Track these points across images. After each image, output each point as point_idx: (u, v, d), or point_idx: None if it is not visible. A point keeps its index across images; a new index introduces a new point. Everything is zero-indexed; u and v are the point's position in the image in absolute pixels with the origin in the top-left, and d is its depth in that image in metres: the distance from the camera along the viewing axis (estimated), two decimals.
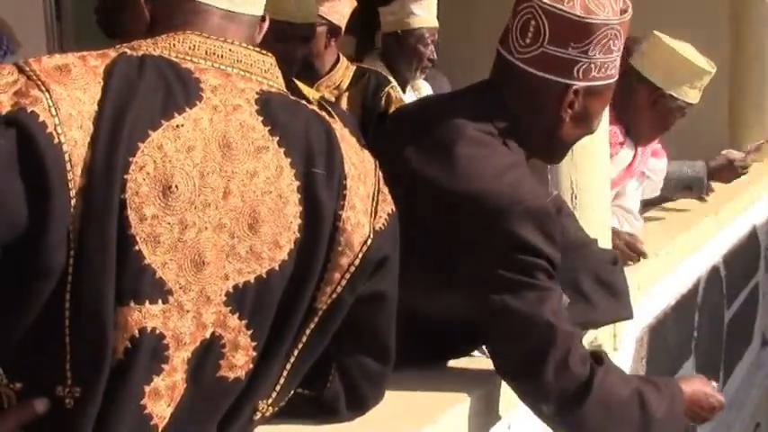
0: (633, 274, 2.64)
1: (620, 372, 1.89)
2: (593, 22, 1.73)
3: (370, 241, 1.30)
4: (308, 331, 1.29)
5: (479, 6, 5.44)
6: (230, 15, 1.30)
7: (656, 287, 3.07)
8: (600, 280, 2.12)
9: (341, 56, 3.21)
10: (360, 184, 1.31)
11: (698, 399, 2.01)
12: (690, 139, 4.28)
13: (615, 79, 1.84)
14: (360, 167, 1.33)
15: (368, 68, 3.22)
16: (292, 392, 1.36)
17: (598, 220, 2.36)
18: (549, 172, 2.31)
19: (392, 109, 3.05)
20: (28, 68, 1.15)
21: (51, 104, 1.11)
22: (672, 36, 2.98)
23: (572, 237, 2.18)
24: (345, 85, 3.15)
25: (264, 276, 1.23)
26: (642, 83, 2.88)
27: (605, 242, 2.35)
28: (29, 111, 1.10)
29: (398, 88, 3.15)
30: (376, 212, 1.33)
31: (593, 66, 1.77)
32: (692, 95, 2.95)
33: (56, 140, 1.10)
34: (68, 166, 1.11)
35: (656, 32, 2.95)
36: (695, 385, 2.03)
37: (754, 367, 4.92)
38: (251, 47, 1.30)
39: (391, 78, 3.19)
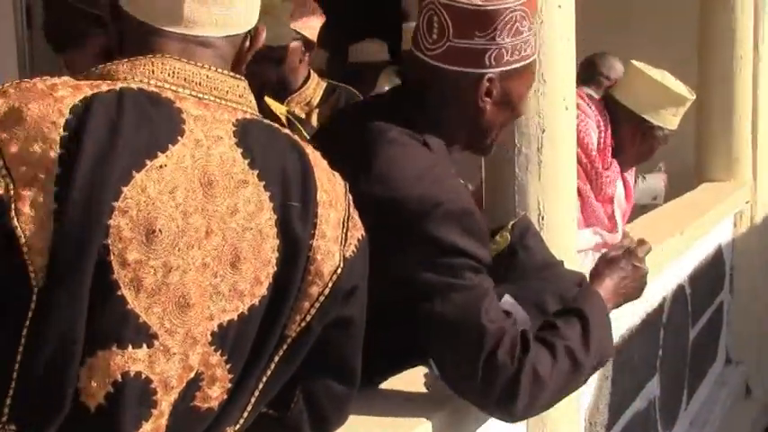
0: None
1: (544, 335, 1.84)
2: (494, 8, 1.75)
3: (340, 270, 1.30)
4: (276, 358, 1.30)
5: None
6: (193, 39, 1.29)
7: (620, 307, 3.08)
8: (565, 301, 2.14)
9: (312, 72, 3.21)
10: (331, 210, 1.31)
11: (617, 282, 2.01)
12: (656, 162, 4.36)
13: (534, 57, 1.87)
14: (331, 193, 1.33)
15: (338, 84, 3.23)
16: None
17: (565, 242, 2.37)
18: (516, 193, 2.33)
19: None
20: None
21: (3, 164, 1.11)
22: (639, 59, 3.02)
23: (538, 258, 2.20)
24: (316, 101, 3.16)
25: (246, 313, 1.23)
26: (626, 113, 2.92)
27: (572, 263, 2.36)
28: None
29: None
30: (346, 239, 1.33)
31: (504, 51, 1.79)
32: (674, 122, 3.00)
33: (4, 201, 1.10)
34: (15, 222, 1.10)
35: (633, 62, 2.99)
36: (605, 273, 2.02)
37: (717, 385, 4.97)
38: (225, 72, 1.29)
39: (360, 95, 3.19)
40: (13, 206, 1.10)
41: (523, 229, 2.24)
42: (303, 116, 3.12)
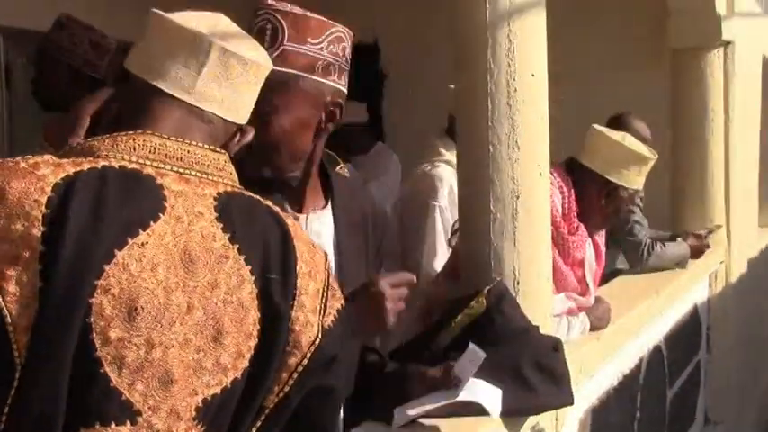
0: (575, 356, 2.68)
1: None
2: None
3: (318, 341, 1.31)
4: (254, 430, 1.30)
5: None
6: (195, 111, 1.32)
7: (598, 369, 3.10)
8: (541, 366, 2.16)
9: None
10: (310, 281, 1.32)
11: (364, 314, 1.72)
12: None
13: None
14: (310, 263, 1.34)
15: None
16: None
17: (541, 307, 2.39)
18: (492, 258, 2.35)
19: None
20: None
21: None
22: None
23: (515, 323, 2.22)
24: None
25: (229, 386, 1.24)
26: (589, 176, 2.96)
27: (548, 328, 2.38)
28: None
29: (347, 168, 3.17)
30: (325, 309, 1.34)
31: None
32: (638, 182, 3.04)
33: None
34: (0, 302, 1.10)
35: (595, 126, 3.04)
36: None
37: None
38: (206, 146, 1.31)
39: (339, 159, 3.21)
40: None
41: (499, 294, 2.27)
42: None
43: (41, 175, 1.16)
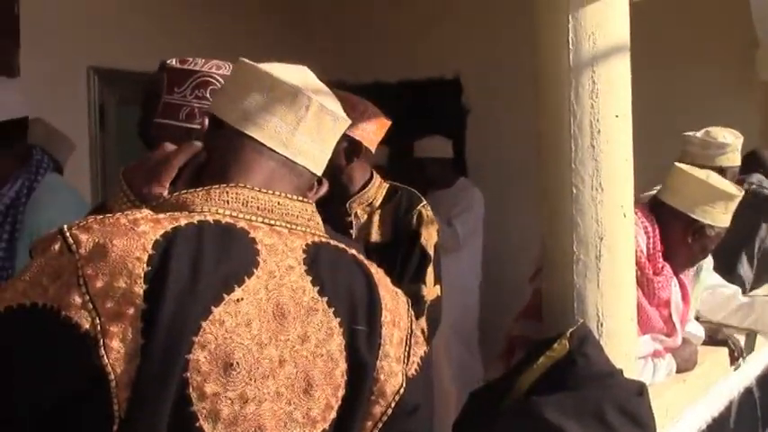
0: (660, 400, 2.63)
1: None
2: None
3: (402, 390, 1.32)
4: None
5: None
6: (288, 164, 1.35)
7: (685, 412, 3.04)
8: (625, 411, 2.13)
9: (374, 174, 3.27)
10: (395, 329, 1.34)
11: None
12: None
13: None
14: (394, 312, 1.35)
15: (400, 186, 3.27)
16: None
17: (624, 349, 2.36)
18: (575, 300, 2.33)
19: (423, 228, 3.09)
20: (75, 247, 1.18)
21: (89, 299, 1.15)
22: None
23: (597, 367, 2.20)
24: (378, 202, 3.19)
25: None
26: (674, 215, 2.91)
27: (631, 372, 2.35)
28: (62, 315, 1.14)
29: (429, 207, 3.20)
30: (409, 357, 1.35)
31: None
32: (725, 220, 2.98)
33: (92, 336, 1.13)
34: (105, 360, 1.13)
35: (677, 164, 3.00)
36: None
37: None
38: (294, 197, 1.34)
39: (422, 197, 3.23)
40: (101, 342, 1.13)
41: (582, 337, 2.25)
42: (365, 217, 3.17)
43: (142, 232, 1.19)
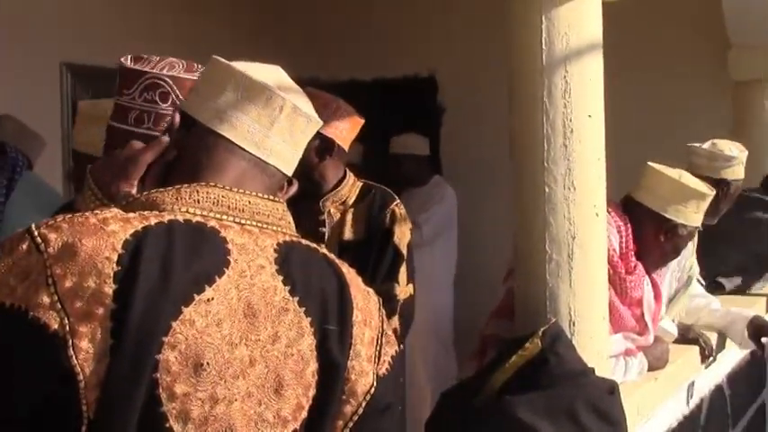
0: (632, 398, 2.65)
1: None
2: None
3: (373, 390, 1.32)
4: None
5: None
6: (260, 164, 1.34)
7: (656, 410, 3.06)
8: (596, 409, 2.15)
9: (348, 172, 3.26)
10: (366, 329, 1.33)
11: None
12: None
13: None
14: (365, 311, 1.35)
15: (374, 185, 3.26)
16: None
17: (596, 348, 2.37)
18: (547, 299, 2.34)
19: (397, 227, 3.09)
20: (43, 247, 1.16)
21: (57, 299, 1.13)
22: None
23: (570, 365, 2.21)
24: (351, 200, 3.18)
25: None
26: (647, 214, 2.93)
27: (604, 370, 2.36)
28: (30, 315, 1.12)
29: (403, 205, 3.19)
30: (380, 356, 1.35)
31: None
32: (696, 219, 3.00)
33: (60, 336, 1.12)
34: (74, 360, 1.12)
35: (650, 164, 3.01)
36: None
37: None
38: (265, 196, 1.33)
39: (395, 196, 3.23)
40: (70, 342, 1.12)
41: (554, 335, 2.26)
42: (338, 215, 3.16)
43: (111, 231, 1.18)
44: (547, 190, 2.37)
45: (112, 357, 1.13)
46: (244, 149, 1.33)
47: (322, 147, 3.13)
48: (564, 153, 2.36)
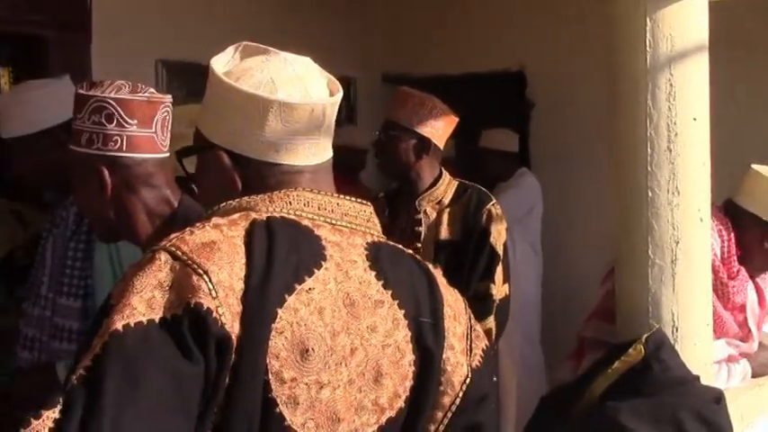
0: (735, 405, 2.60)
1: None
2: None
3: (469, 380, 1.37)
4: None
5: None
6: (323, 165, 1.39)
7: (759, 418, 3.00)
8: (703, 418, 2.12)
9: (444, 171, 3.27)
10: (456, 324, 1.39)
11: None
12: None
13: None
14: (454, 307, 1.40)
15: (470, 184, 3.27)
16: None
17: (699, 355, 2.34)
18: (650, 304, 2.32)
19: (493, 226, 3.09)
20: (179, 252, 1.20)
21: (212, 287, 1.18)
22: None
23: (674, 373, 2.18)
24: (447, 200, 3.20)
25: (383, 424, 1.31)
26: (750, 219, 2.87)
27: (708, 378, 2.32)
28: (193, 303, 1.16)
29: (499, 205, 3.19)
30: (471, 350, 1.40)
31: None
32: None
33: (219, 323, 1.17)
34: (233, 342, 1.17)
35: (753, 166, 2.95)
36: None
37: None
38: (352, 198, 1.38)
39: (491, 195, 3.23)
40: (223, 320, 1.17)
41: (658, 342, 2.24)
42: (434, 215, 3.18)
43: (239, 228, 1.25)
44: (650, 194, 2.34)
45: (238, 345, 1.18)
46: (302, 165, 1.36)
47: (419, 146, 3.16)
48: (668, 157, 2.33)
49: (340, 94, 1.40)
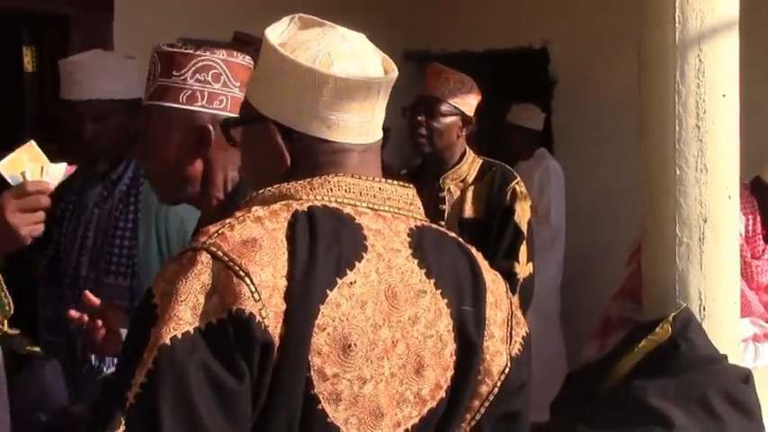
0: (762, 386, 2.58)
1: None
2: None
3: (507, 370, 1.34)
4: None
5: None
6: (372, 146, 1.35)
7: None
8: (730, 398, 2.11)
9: (468, 149, 3.26)
10: (497, 311, 1.35)
11: None
12: None
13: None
14: (496, 293, 1.36)
15: (494, 162, 3.25)
16: None
17: (727, 333, 2.32)
18: (677, 283, 2.30)
19: (518, 205, 3.08)
20: (220, 252, 1.18)
21: (254, 290, 1.15)
22: None
23: (701, 352, 2.17)
24: (471, 178, 3.19)
25: (425, 415, 1.28)
26: None
27: (735, 357, 2.31)
28: (234, 309, 1.14)
29: (523, 183, 3.18)
30: (511, 338, 1.37)
31: None
32: None
33: (263, 326, 1.15)
34: (275, 346, 1.16)
35: None
36: None
37: None
38: (394, 182, 1.34)
39: (516, 174, 3.21)
40: (266, 323, 1.15)
41: (685, 321, 2.22)
42: (458, 193, 3.17)
43: (279, 223, 1.22)
44: (678, 172, 2.32)
45: (281, 342, 1.16)
46: (356, 143, 1.33)
47: (462, 123, 3.16)
48: (696, 134, 2.31)
49: (395, 73, 1.35)
